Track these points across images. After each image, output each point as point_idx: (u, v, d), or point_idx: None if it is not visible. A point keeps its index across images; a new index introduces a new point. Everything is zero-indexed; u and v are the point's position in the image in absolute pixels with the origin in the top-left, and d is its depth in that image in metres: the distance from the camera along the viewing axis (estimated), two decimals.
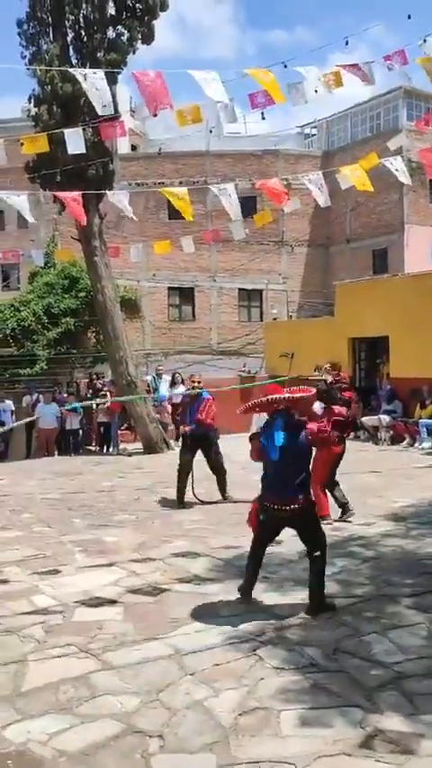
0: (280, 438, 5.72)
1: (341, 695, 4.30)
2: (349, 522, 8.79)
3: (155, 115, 11.66)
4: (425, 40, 10.86)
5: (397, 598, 5.96)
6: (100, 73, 10.24)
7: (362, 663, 4.74)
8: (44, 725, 4.05)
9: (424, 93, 28.55)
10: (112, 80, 14.06)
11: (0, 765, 3.67)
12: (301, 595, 6.07)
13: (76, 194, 11.65)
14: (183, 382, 19.10)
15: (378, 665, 4.70)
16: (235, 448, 16.47)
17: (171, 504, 10.42)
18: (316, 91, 10.69)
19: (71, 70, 12.88)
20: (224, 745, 3.81)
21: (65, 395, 20.58)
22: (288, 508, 5.64)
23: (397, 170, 11.78)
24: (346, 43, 12.12)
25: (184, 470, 10.41)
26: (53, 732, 3.96)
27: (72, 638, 5.29)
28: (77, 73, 10.55)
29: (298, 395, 5.82)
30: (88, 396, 20.25)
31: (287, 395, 5.82)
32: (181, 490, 10.40)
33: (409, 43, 11.11)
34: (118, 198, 12.52)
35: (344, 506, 8.99)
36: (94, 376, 22.01)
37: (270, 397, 5.83)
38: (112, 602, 6.08)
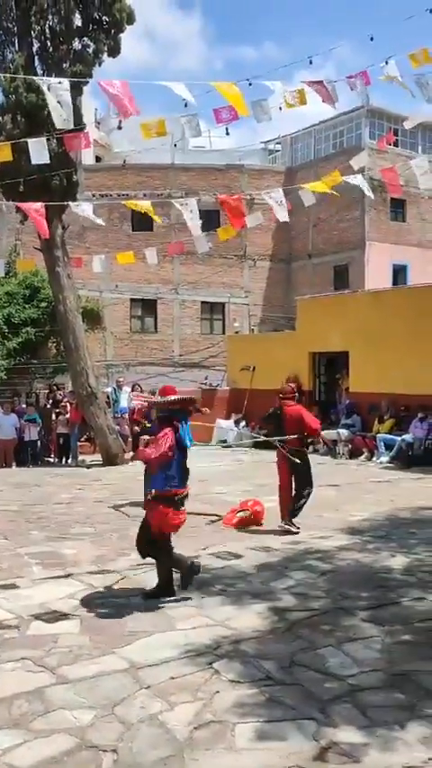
0: (187, 432, 6.95)
1: (296, 708, 4.33)
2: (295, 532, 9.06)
3: (119, 127, 11.71)
4: (387, 62, 11.10)
5: (353, 611, 6.01)
6: (65, 83, 10.24)
7: (317, 676, 4.78)
8: None
9: (386, 112, 29.05)
10: (77, 91, 14.07)
11: None
12: (257, 608, 6.10)
13: (39, 206, 11.60)
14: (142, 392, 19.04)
15: (333, 678, 4.74)
16: (193, 460, 16.47)
17: (129, 516, 10.36)
18: (280, 108, 10.82)
19: (36, 79, 12.86)
20: (179, 759, 3.80)
21: (24, 405, 20.38)
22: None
23: (362, 187, 11.97)
24: (311, 62, 12.27)
25: None
26: (6, 747, 3.91)
27: (27, 651, 5.24)
28: (42, 82, 10.53)
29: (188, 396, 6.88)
30: (48, 406, 20.09)
31: (182, 397, 6.70)
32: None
33: (371, 64, 11.32)
34: (82, 208, 12.50)
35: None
36: (55, 387, 21.86)
37: (170, 397, 6.62)
38: (69, 615, 6.04)
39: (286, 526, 9.18)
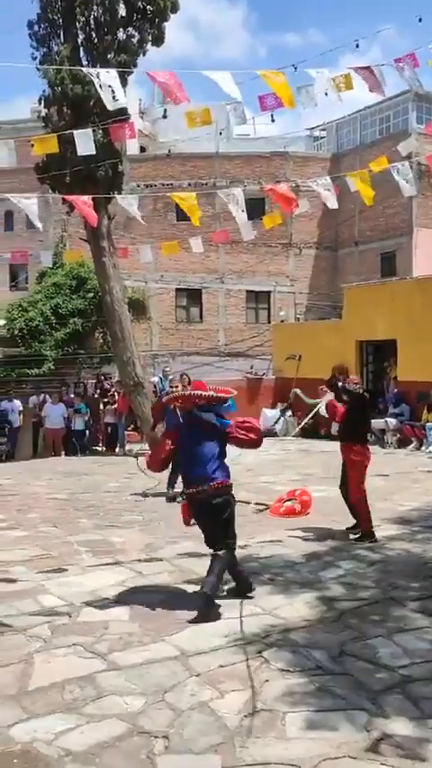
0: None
1: (346, 698, 4.30)
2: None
3: (164, 116, 11.69)
4: None
5: (403, 601, 5.95)
6: (112, 72, 10.26)
7: (367, 666, 4.74)
8: (50, 724, 4.06)
9: None
10: (122, 81, 14.09)
11: (6, 764, 3.68)
12: (306, 597, 6.08)
13: (87, 198, 11.67)
14: (190, 383, 19.11)
15: (383, 669, 4.70)
16: (239, 450, 16.50)
17: (177, 504, 10.41)
18: (326, 93, 10.69)
19: (83, 69, 12.92)
20: (229, 746, 3.81)
21: (72, 395, 20.63)
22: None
23: (406, 179, 11.75)
24: (357, 46, 12.18)
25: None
26: (59, 731, 3.97)
27: (78, 638, 5.31)
28: (89, 71, 10.56)
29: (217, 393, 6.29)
30: (95, 396, 20.29)
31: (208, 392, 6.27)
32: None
33: (419, 46, 11.09)
34: (128, 201, 12.54)
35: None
36: (102, 377, 22.04)
37: (193, 392, 6.36)
38: (119, 602, 6.10)
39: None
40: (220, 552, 5.94)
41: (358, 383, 9.19)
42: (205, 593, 5.68)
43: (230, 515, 6.12)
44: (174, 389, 10.25)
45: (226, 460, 6.18)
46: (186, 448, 6.13)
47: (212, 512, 6.00)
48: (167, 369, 20.81)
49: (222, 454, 6.14)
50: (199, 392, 6.27)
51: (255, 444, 6.35)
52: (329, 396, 9.07)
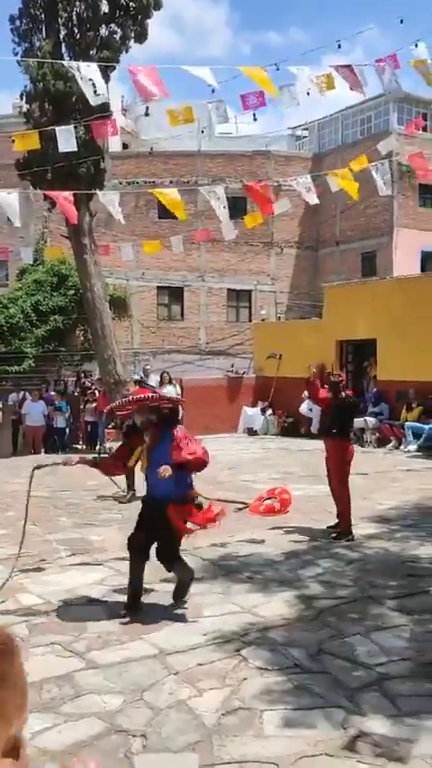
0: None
1: (324, 696, 4.33)
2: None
3: (147, 113, 11.64)
4: (416, 45, 10.95)
5: (381, 600, 5.99)
6: (93, 66, 10.24)
7: (345, 664, 4.77)
8: (28, 723, 4.03)
9: (414, 97, 28.66)
10: (104, 78, 14.06)
11: None
12: (285, 596, 6.10)
13: (68, 194, 11.64)
14: (171, 381, 19.11)
15: (361, 667, 4.73)
16: (220, 448, 16.50)
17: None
18: (308, 93, 10.74)
19: (65, 63, 12.89)
20: (207, 744, 3.82)
21: (52, 393, 20.54)
22: None
23: (384, 179, 11.83)
24: (339, 46, 12.25)
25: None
26: (36, 731, 3.96)
27: (56, 636, 5.29)
28: (71, 65, 10.53)
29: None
30: (75, 394, 20.22)
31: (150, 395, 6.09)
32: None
33: (400, 47, 11.17)
34: (109, 198, 12.51)
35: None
36: (83, 375, 21.98)
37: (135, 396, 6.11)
38: (97, 601, 6.09)
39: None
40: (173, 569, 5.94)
41: (343, 379, 9.35)
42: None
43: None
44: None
45: None
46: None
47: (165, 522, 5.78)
48: (148, 367, 20.77)
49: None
50: (133, 397, 6.06)
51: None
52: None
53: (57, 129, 10.99)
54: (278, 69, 10.52)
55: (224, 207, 11.88)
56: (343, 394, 8.65)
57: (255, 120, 12.12)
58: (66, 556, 7.64)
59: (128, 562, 5.97)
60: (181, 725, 4.03)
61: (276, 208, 13.68)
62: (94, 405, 18.74)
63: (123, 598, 6.08)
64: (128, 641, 5.19)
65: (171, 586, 6.41)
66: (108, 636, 5.30)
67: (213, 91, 10.21)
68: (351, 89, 10.63)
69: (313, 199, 12.12)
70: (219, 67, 9.75)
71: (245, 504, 9.99)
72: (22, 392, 19.88)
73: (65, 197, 11.35)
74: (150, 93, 9.54)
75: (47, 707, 4.25)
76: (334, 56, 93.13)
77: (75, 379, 22.77)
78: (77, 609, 5.89)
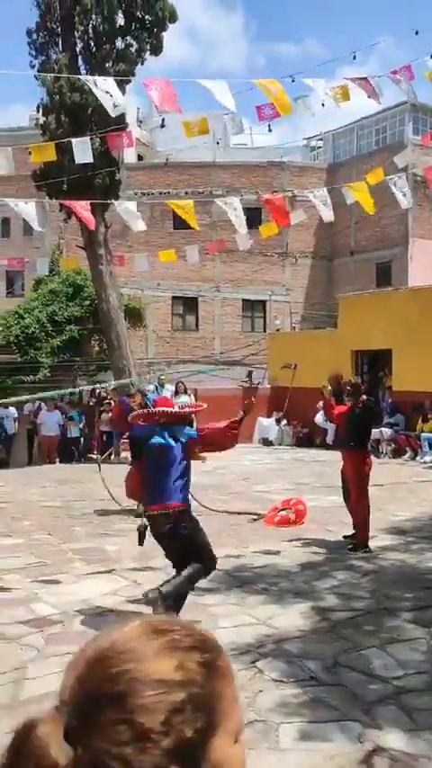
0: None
1: (340, 709, 4.29)
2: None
3: (162, 125, 11.71)
4: (431, 56, 10.95)
5: (397, 612, 5.95)
6: (110, 80, 10.31)
7: (361, 677, 4.73)
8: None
9: (430, 107, 28.67)
10: (120, 90, 14.19)
11: None
12: (300, 608, 6.07)
13: (84, 203, 11.72)
14: (186, 391, 19.14)
15: (377, 680, 4.69)
16: (235, 458, 16.50)
17: None
18: (323, 104, 10.77)
19: (81, 77, 13.00)
20: None
21: (66, 403, 20.61)
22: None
23: (402, 191, 11.82)
24: (354, 57, 12.21)
25: None
26: None
27: (72, 647, 5.27)
28: (87, 79, 10.62)
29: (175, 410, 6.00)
30: (90, 404, 20.27)
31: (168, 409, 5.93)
32: None
33: (416, 58, 11.17)
34: (125, 207, 12.57)
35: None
36: (97, 385, 22.01)
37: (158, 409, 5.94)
38: (112, 611, 6.08)
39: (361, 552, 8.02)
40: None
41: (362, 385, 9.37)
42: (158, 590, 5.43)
43: (191, 537, 5.71)
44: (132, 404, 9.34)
45: None
46: (149, 468, 5.80)
47: (170, 536, 5.64)
48: (163, 377, 20.81)
49: (184, 475, 5.78)
50: (161, 409, 5.92)
51: (226, 444, 6.11)
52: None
53: (73, 140, 11.07)
54: (293, 81, 10.56)
55: (239, 217, 11.91)
56: (364, 397, 8.59)
57: (270, 131, 12.12)
58: (80, 566, 7.64)
59: (142, 572, 5.95)
60: None
61: (292, 219, 13.70)
62: (109, 414, 18.78)
63: (138, 608, 6.06)
64: None
65: (191, 597, 6.39)
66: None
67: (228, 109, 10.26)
68: (368, 97, 10.65)
69: (329, 216, 12.13)
70: (234, 81, 9.81)
71: (258, 515, 9.97)
72: (38, 402, 19.96)
73: (81, 205, 11.43)
74: (165, 106, 9.60)
75: None
76: (349, 67, 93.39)
77: (90, 389, 22.81)
78: (92, 619, 5.89)
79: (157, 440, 5.72)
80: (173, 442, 5.70)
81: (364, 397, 8.68)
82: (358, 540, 8.19)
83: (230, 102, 9.94)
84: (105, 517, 10.45)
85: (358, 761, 3.74)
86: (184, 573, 5.58)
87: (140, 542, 6.32)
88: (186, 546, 5.69)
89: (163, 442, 5.69)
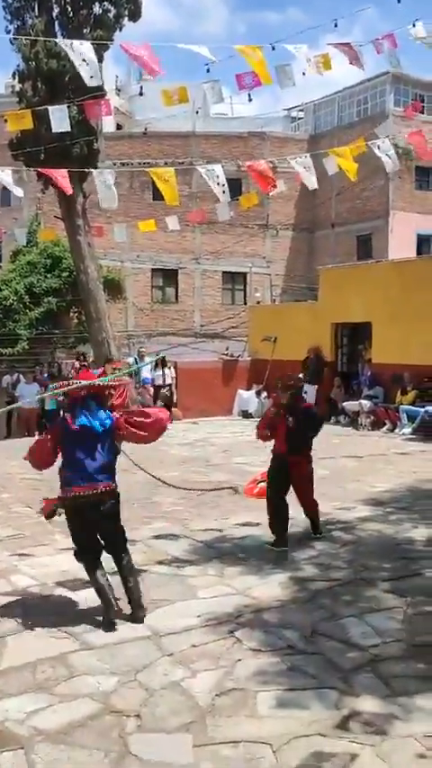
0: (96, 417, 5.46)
1: (317, 677, 4.35)
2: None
3: (141, 93, 11.50)
4: (414, 25, 10.83)
5: (374, 582, 6.01)
6: (87, 44, 10.09)
7: (338, 645, 4.79)
8: (22, 704, 4.06)
9: (412, 78, 28.50)
10: (98, 57, 13.92)
11: None
12: (279, 578, 6.12)
13: (63, 171, 11.54)
14: (165, 364, 19.09)
15: (354, 648, 4.74)
16: (215, 430, 16.54)
17: (151, 484, 10.39)
18: (304, 74, 10.61)
19: (58, 41, 12.73)
20: (201, 725, 3.84)
21: (46, 375, 20.48)
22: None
23: (387, 155, 11.72)
24: (335, 25, 12.06)
25: None
26: (30, 711, 3.98)
27: (51, 618, 5.29)
28: (64, 44, 10.37)
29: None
30: (70, 376, 20.15)
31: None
32: None
33: (399, 27, 11.06)
34: (103, 179, 12.38)
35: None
36: (81, 357, 21.89)
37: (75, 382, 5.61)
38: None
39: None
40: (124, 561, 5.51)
41: (301, 385, 8.32)
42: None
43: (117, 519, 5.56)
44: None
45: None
46: (68, 447, 5.44)
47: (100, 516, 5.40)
48: (143, 349, 20.74)
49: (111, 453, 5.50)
50: (81, 382, 5.58)
51: (147, 440, 5.58)
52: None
53: (50, 108, 10.85)
54: (274, 49, 10.39)
55: (222, 185, 11.74)
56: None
57: (250, 100, 11.94)
58: (60, 538, 7.62)
59: None
60: (175, 705, 4.05)
61: (273, 189, 13.55)
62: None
63: (117, 579, 6.07)
64: (121, 623, 5.19)
65: (166, 569, 6.42)
66: (102, 617, 5.29)
67: (209, 70, 10.07)
68: (350, 63, 10.50)
69: (312, 182, 12.01)
70: (213, 46, 9.66)
71: (237, 486, 10.00)
72: (16, 374, 19.82)
73: (60, 173, 11.26)
74: (148, 67, 9.42)
75: (41, 687, 4.26)
76: (331, 35, 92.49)
77: (74, 360, 22.66)
78: (71, 591, 5.89)
79: (82, 421, 5.37)
80: (97, 426, 5.36)
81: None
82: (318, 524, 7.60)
83: (211, 57, 9.74)
84: None
85: (335, 726, 3.79)
86: (132, 570, 5.52)
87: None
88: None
89: (86, 423, 5.36)
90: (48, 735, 3.75)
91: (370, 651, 4.69)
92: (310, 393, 18.58)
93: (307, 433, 7.49)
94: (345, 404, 17.48)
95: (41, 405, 18.49)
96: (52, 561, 6.71)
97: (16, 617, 5.31)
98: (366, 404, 17.03)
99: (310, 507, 7.55)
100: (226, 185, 11.58)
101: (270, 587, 5.91)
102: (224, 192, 11.52)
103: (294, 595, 5.74)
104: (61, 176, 11.17)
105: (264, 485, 9.49)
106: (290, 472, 7.33)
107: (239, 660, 4.59)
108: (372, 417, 16.92)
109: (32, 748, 3.64)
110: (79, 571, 6.33)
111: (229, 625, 5.13)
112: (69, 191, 12.13)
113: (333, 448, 13.00)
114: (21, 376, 19.36)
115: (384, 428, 16.49)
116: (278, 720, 3.87)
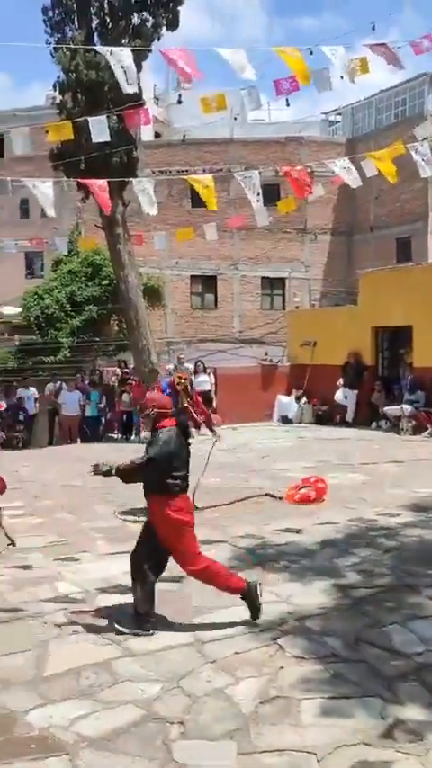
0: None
1: (361, 685, 4.30)
2: None
3: (179, 101, 11.59)
4: None
5: (418, 588, 5.93)
6: (126, 51, 10.18)
7: (382, 653, 4.74)
8: (66, 710, 4.09)
9: None
10: (137, 66, 14.06)
11: (23, 748, 3.72)
12: (321, 585, 6.08)
13: (103, 182, 11.65)
14: (205, 371, 19.14)
15: (398, 656, 4.69)
16: (254, 436, 16.52)
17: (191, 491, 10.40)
18: (342, 77, 10.58)
19: (97, 48, 12.88)
20: (244, 733, 3.83)
21: (87, 382, 20.69)
22: None
23: (424, 159, 11.61)
24: (373, 28, 11.95)
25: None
26: (75, 717, 4.00)
27: (93, 624, 5.33)
28: (103, 51, 10.49)
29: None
30: (112, 383, 20.33)
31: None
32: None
33: None
34: (142, 186, 12.47)
35: None
36: (123, 363, 22.04)
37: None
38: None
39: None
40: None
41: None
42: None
43: None
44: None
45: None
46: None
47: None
48: (182, 356, 20.82)
49: None
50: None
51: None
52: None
53: (89, 119, 10.98)
54: (312, 53, 10.37)
55: (257, 193, 11.76)
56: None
57: (287, 105, 11.99)
58: (103, 544, 7.68)
59: None
60: (218, 713, 4.04)
61: (314, 191, 13.50)
62: (129, 395, 18.83)
63: (160, 585, 6.09)
64: (165, 629, 5.21)
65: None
66: (145, 624, 5.31)
67: (254, 73, 10.07)
68: (389, 63, 10.43)
69: (356, 181, 11.94)
70: (252, 49, 9.67)
71: (278, 493, 9.96)
72: (59, 382, 20.05)
73: (99, 185, 11.36)
74: (186, 73, 9.49)
75: (85, 694, 4.29)
76: (368, 39, 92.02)
77: (115, 368, 22.84)
78: (114, 597, 5.93)
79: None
80: None
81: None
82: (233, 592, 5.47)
83: (250, 72, 9.79)
84: (126, 496, 10.49)
85: (380, 735, 3.75)
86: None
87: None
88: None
89: None
90: (92, 741, 3.77)
91: (414, 659, 4.63)
92: (350, 398, 18.50)
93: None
94: (386, 408, 17.32)
95: (83, 412, 18.70)
96: (95, 568, 6.77)
97: (60, 624, 5.35)
98: (408, 408, 16.86)
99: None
100: (260, 192, 11.60)
101: (313, 594, 5.87)
102: (258, 200, 11.53)
103: (337, 602, 5.69)
104: (101, 190, 11.27)
105: (305, 491, 9.49)
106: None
107: (282, 668, 4.57)
108: (413, 422, 16.73)
109: (77, 754, 3.66)
110: (121, 577, 6.39)
111: (271, 632, 5.11)
112: (108, 207, 12.24)
113: (375, 453, 12.88)
114: (63, 384, 19.58)
115: (426, 432, 16.30)
116: (322, 729, 3.84)
